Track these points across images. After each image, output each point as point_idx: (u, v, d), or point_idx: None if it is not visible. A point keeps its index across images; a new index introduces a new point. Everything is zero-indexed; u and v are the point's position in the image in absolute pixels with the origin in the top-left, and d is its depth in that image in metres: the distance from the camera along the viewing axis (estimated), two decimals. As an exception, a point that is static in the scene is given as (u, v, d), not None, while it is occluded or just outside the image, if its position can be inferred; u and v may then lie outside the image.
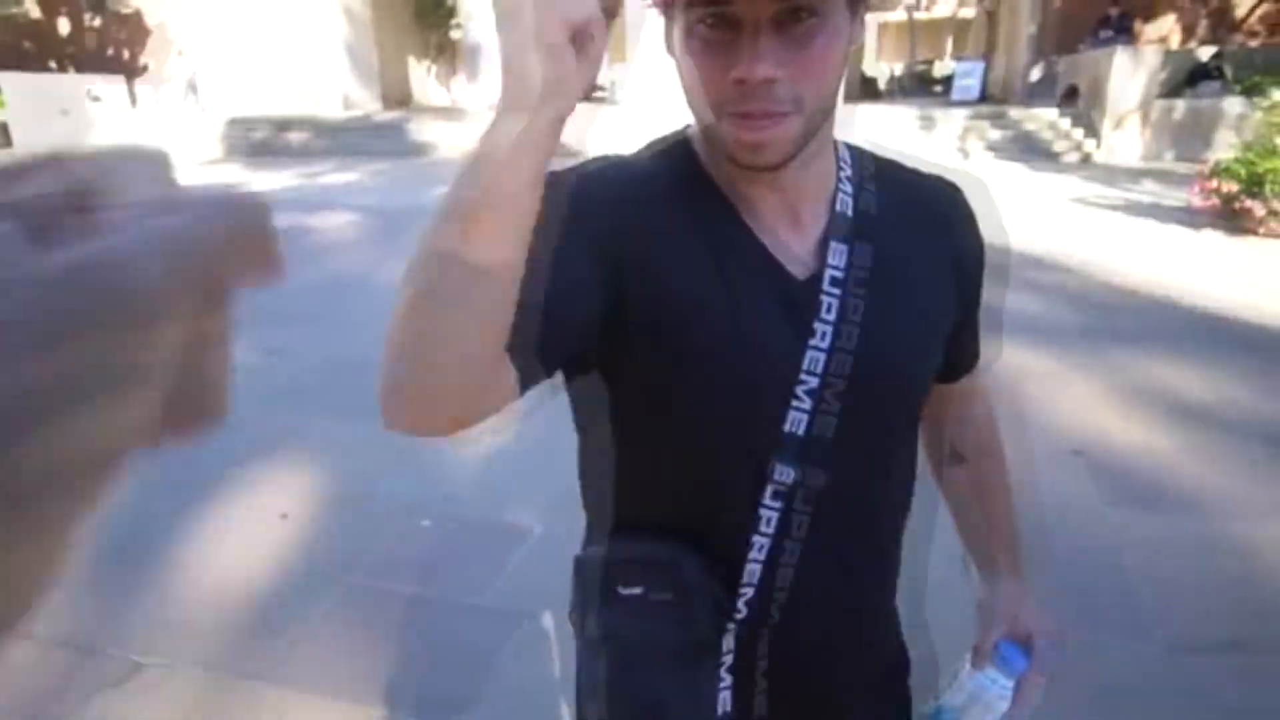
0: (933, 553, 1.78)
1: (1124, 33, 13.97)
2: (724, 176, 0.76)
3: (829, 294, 0.74)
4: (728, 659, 0.79)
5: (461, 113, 16.22)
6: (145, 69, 19.32)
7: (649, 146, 0.81)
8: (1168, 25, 15.32)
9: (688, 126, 0.80)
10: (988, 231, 0.89)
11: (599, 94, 20.96)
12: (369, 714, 1.99)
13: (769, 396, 0.74)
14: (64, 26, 21.39)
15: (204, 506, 2.92)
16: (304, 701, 2.03)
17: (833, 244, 0.75)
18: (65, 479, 0.17)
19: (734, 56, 0.65)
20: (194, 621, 2.32)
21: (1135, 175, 11.05)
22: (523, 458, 3.00)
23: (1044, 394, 3.81)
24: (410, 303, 0.58)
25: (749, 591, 0.77)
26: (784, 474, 0.74)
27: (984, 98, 15.65)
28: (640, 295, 0.70)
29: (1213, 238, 7.22)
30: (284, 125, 15.20)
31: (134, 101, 16.76)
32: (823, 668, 0.85)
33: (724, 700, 0.79)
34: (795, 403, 0.74)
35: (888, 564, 0.89)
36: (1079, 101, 13.48)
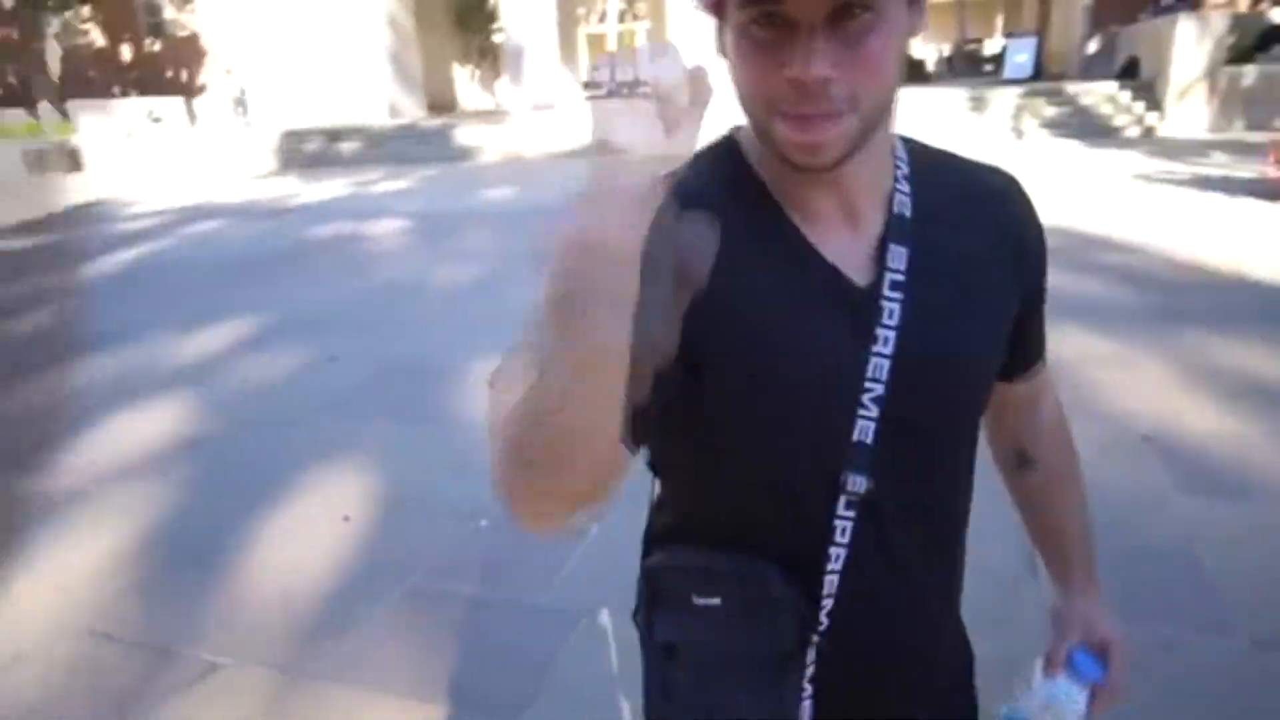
0: (1001, 549, 1.74)
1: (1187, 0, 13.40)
2: (776, 178, 0.75)
3: (890, 299, 0.73)
4: (810, 670, 0.78)
5: (505, 115, 16.41)
6: (203, 89, 20.02)
7: (696, 155, 0.80)
8: (1234, -12, 14.63)
9: (736, 128, 0.79)
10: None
11: (642, 90, 20.91)
12: (432, 713, 2.03)
13: (836, 407, 0.73)
14: (126, 53, 22.31)
15: (269, 509, 3.01)
16: (368, 701, 2.08)
17: (892, 247, 0.74)
18: None
19: (787, 56, 0.63)
20: (262, 622, 2.40)
21: (1202, 147, 10.59)
22: (575, 457, 3.02)
23: (1110, 378, 3.68)
24: (516, 447, 0.58)
25: (829, 603, 0.76)
26: (856, 483, 0.74)
27: (1038, 74, 15.18)
28: (709, 328, 0.70)
29: (1289, 210, 6.88)
30: (335, 136, 15.59)
31: (193, 120, 17.40)
32: (894, 673, 0.84)
33: (806, 710, 0.79)
34: (862, 411, 0.73)
35: (955, 565, 0.87)
36: (1140, 73, 12.98)
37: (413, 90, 18.26)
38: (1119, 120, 12.57)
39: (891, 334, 0.72)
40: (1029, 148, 11.56)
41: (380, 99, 17.57)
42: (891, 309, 0.72)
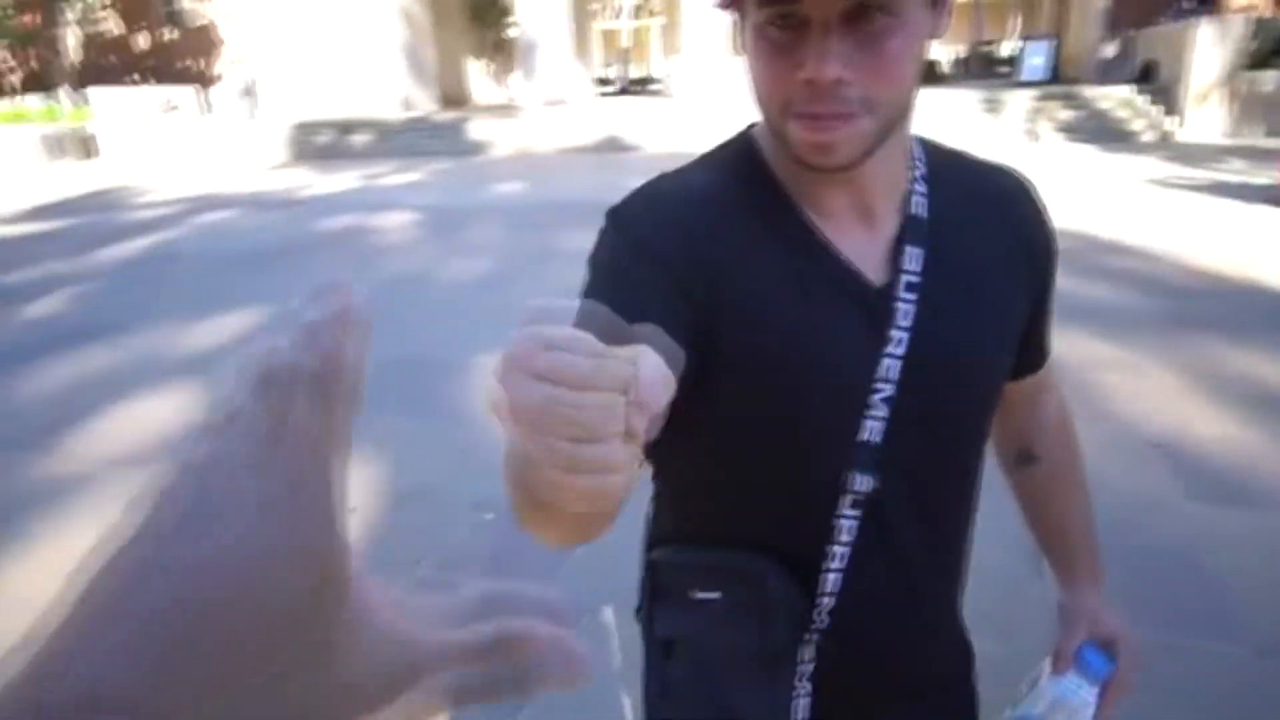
0: (1005, 549, 1.73)
1: (1207, 3, 13.28)
2: (791, 177, 0.74)
3: (904, 300, 0.72)
4: (807, 668, 0.78)
5: (518, 110, 16.42)
6: (218, 78, 20.10)
7: (711, 153, 0.80)
8: (1254, -7, 14.49)
9: (752, 125, 0.79)
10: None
11: (654, 87, 20.93)
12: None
13: (845, 406, 0.73)
14: (143, 41, 22.42)
15: (277, 500, 3.02)
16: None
17: (907, 248, 0.74)
18: None
19: (802, 56, 0.64)
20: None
21: (1219, 153, 10.50)
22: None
23: (1121, 384, 3.66)
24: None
25: (828, 601, 0.76)
26: (861, 483, 0.74)
27: (1054, 77, 15.07)
28: (720, 325, 0.70)
29: (1306, 217, 6.82)
30: (347, 128, 15.63)
31: (207, 110, 17.47)
32: (892, 671, 0.84)
33: (802, 708, 0.79)
34: (870, 411, 0.73)
35: (958, 566, 0.87)
36: (1157, 77, 12.87)
37: (426, 84, 18.28)
38: (1135, 124, 12.47)
39: (904, 335, 0.72)
40: (1043, 151, 11.48)
41: (394, 92, 17.59)
42: (906, 310, 0.72)
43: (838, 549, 0.75)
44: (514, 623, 0.22)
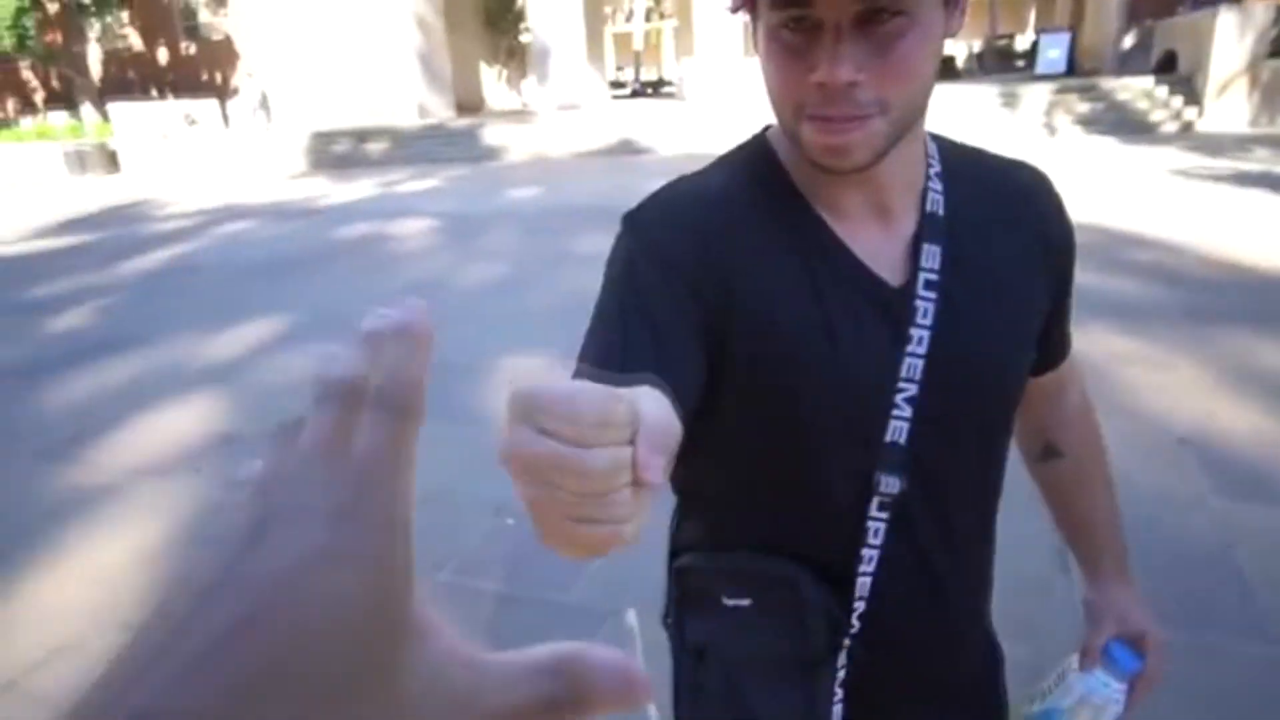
0: (1031, 551, 1.71)
1: (1227, -9, 13.07)
2: (807, 178, 0.74)
3: (924, 298, 0.72)
4: (841, 673, 0.78)
5: (532, 115, 16.49)
6: (236, 91, 20.37)
7: (727, 156, 0.80)
8: (1276, -20, 14.25)
9: (767, 128, 0.78)
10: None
11: (667, 89, 20.94)
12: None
13: (870, 408, 0.73)
14: (163, 56, 22.76)
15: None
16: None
17: (925, 246, 0.73)
18: None
19: (815, 59, 0.63)
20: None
21: (1243, 143, 10.33)
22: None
23: (1146, 379, 3.61)
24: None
25: (862, 605, 0.76)
26: (889, 484, 0.73)
27: (1071, 70, 14.90)
28: (738, 328, 0.70)
29: (1333, 206, 6.69)
30: (363, 137, 15.77)
31: (227, 122, 17.70)
32: (920, 674, 0.83)
33: (837, 714, 0.78)
34: (895, 412, 0.72)
35: (985, 565, 0.87)
36: (1178, 68, 12.70)
37: (441, 91, 18.41)
38: (1156, 116, 12.31)
39: (925, 334, 0.72)
40: (1062, 145, 11.36)
41: (410, 100, 17.74)
42: (926, 308, 0.72)
43: (868, 552, 0.75)
44: (572, 645, 0.22)
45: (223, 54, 21.91)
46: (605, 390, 0.32)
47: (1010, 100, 13.08)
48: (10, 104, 24.05)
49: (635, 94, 21.38)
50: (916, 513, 0.75)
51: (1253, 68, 11.62)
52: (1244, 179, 8.05)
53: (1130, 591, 0.94)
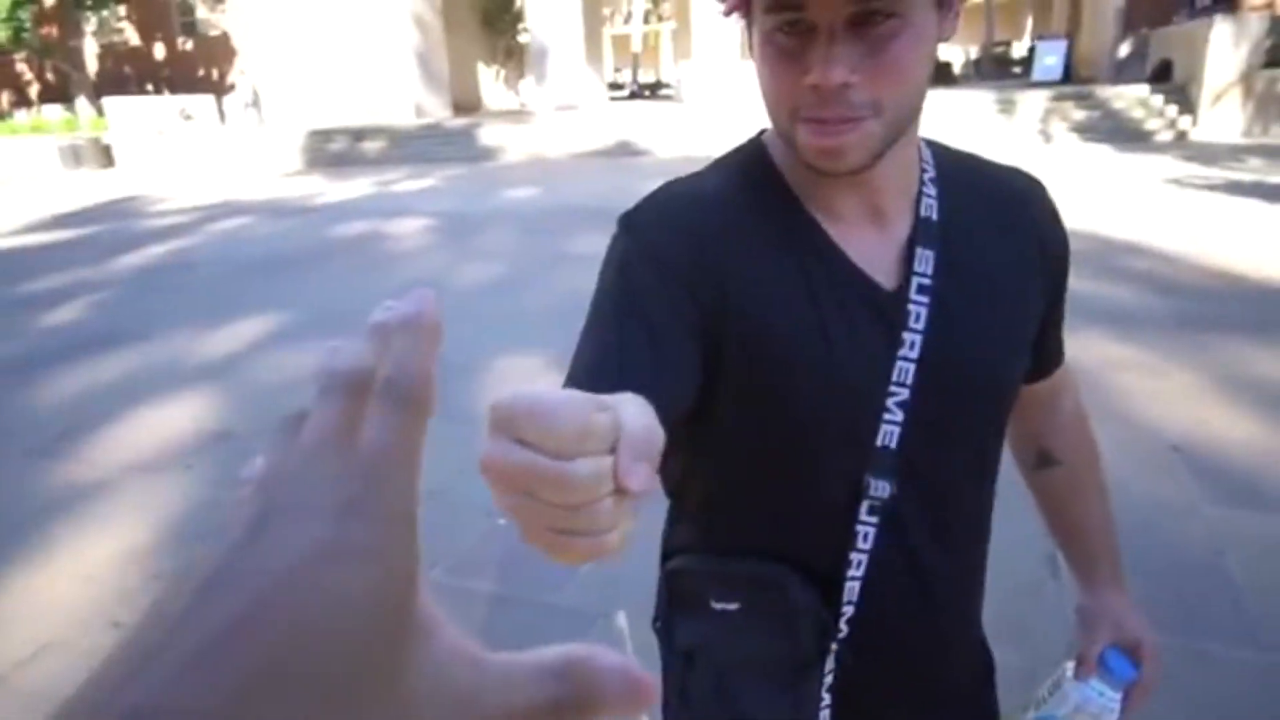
0: (1021, 555, 1.71)
1: (1223, 1, 13.17)
2: (802, 181, 0.74)
3: (917, 302, 0.72)
4: (829, 678, 0.77)
5: (529, 115, 16.48)
6: (232, 87, 20.31)
7: (723, 158, 0.80)
8: (1271, -10, 14.35)
9: (763, 131, 0.79)
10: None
11: (665, 91, 20.96)
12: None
13: (861, 411, 0.73)
14: (159, 51, 22.68)
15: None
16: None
17: (919, 251, 0.73)
18: None
19: (809, 61, 0.64)
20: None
21: (1237, 152, 10.39)
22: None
23: (1139, 386, 3.62)
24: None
25: (850, 609, 0.76)
26: (879, 488, 0.73)
27: (1067, 77, 14.97)
28: (732, 330, 0.70)
29: (1326, 216, 6.73)
30: (360, 135, 15.74)
31: (223, 119, 17.64)
32: (913, 679, 0.83)
33: (825, 719, 0.78)
34: (887, 415, 0.72)
35: (976, 570, 0.87)
36: (1173, 76, 12.76)
37: (439, 90, 18.39)
38: (1151, 124, 12.37)
39: (918, 338, 0.72)
40: (1058, 152, 11.40)
41: (407, 99, 17.71)
42: (918, 312, 0.72)
43: (857, 556, 0.75)
44: (578, 647, 0.22)
45: (220, 50, 21.85)
46: (586, 399, 0.31)
47: (1006, 107, 13.13)
48: (5, 97, 23.95)
49: (633, 96, 21.39)
50: (908, 517, 0.75)
51: (1247, 77, 11.68)
52: (1237, 188, 8.09)
53: (1125, 598, 0.94)
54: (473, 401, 3.87)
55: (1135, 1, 14.80)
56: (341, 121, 16.68)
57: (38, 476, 3.37)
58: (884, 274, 0.73)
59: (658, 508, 0.88)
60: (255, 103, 17.97)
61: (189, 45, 22.55)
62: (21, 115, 20.91)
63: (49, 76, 23.07)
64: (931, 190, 0.76)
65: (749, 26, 0.70)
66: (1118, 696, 0.88)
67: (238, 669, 0.16)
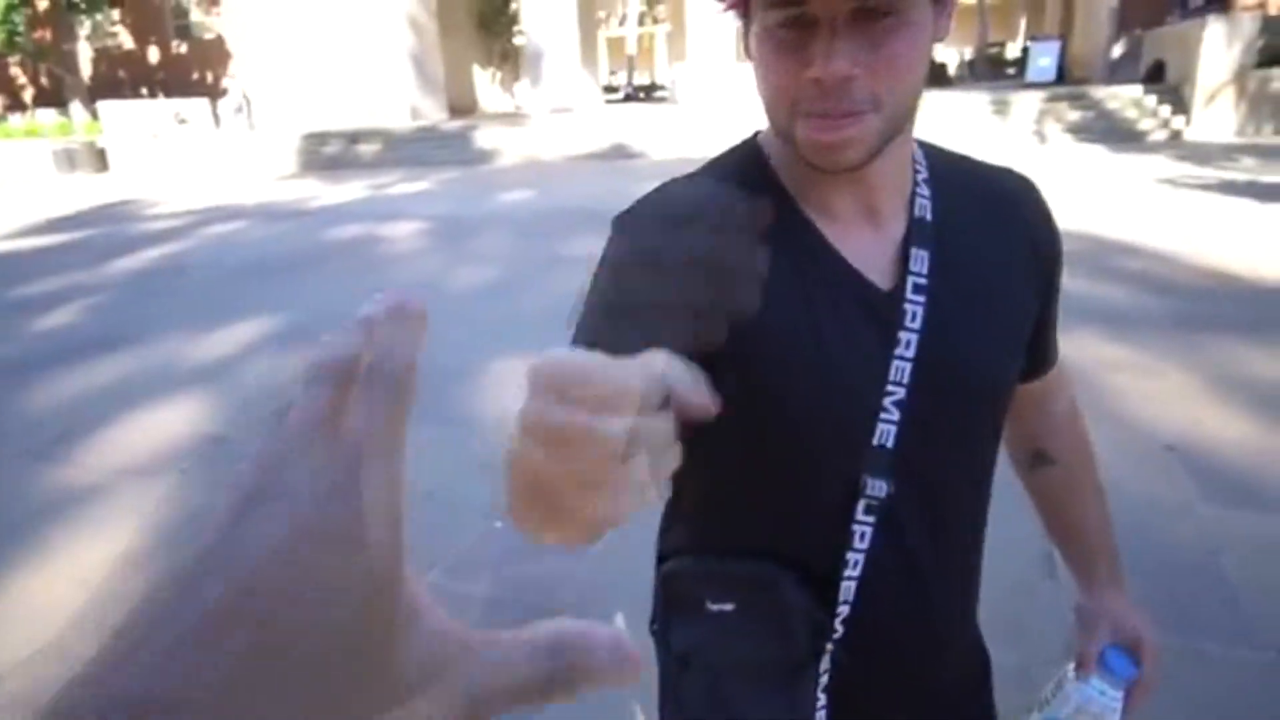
0: (1017, 555, 1.72)
1: (1215, 2, 13.23)
2: (798, 180, 0.75)
3: (913, 302, 0.72)
4: (824, 679, 0.77)
5: (525, 118, 16.48)
6: (227, 91, 20.27)
7: (718, 159, 0.80)
8: (1263, -9, 14.42)
9: (758, 132, 0.79)
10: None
11: (660, 94, 20.99)
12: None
13: (857, 411, 0.73)
14: (153, 55, 22.63)
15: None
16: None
17: (914, 251, 0.74)
18: None
19: (810, 56, 0.64)
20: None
21: (1230, 152, 10.43)
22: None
23: (1134, 386, 3.63)
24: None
25: (846, 610, 0.76)
26: (876, 488, 0.73)
27: (1061, 78, 15.02)
28: (729, 332, 0.70)
29: (1318, 216, 6.76)
30: (355, 138, 15.72)
31: (217, 122, 17.61)
32: (910, 680, 0.83)
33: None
34: (883, 415, 0.72)
35: (972, 570, 0.87)
36: (1166, 77, 12.81)
37: (434, 93, 18.38)
38: (1144, 124, 12.41)
39: (913, 337, 0.72)
40: (1052, 152, 11.44)
41: (402, 102, 17.69)
42: (914, 312, 0.72)
43: (854, 556, 0.75)
44: (566, 622, 0.22)
45: (214, 54, 21.80)
46: (625, 360, 0.32)
47: (1001, 108, 13.16)
48: (-1, 101, 23.88)
49: (628, 98, 21.41)
50: (904, 516, 0.75)
51: (1240, 77, 11.74)
52: (1231, 188, 8.12)
53: (1124, 597, 0.95)
54: (468, 405, 3.86)
55: (1128, 2, 14.86)
56: (336, 124, 16.65)
57: (33, 480, 3.36)
58: (879, 274, 0.74)
59: (653, 511, 0.88)
60: (243, 108, 17.92)
61: (183, 49, 22.50)
62: (15, 119, 20.84)
63: (43, 80, 23.01)
64: (925, 190, 0.76)
65: (746, 24, 0.70)
66: (1119, 695, 0.88)
67: (223, 653, 0.16)
